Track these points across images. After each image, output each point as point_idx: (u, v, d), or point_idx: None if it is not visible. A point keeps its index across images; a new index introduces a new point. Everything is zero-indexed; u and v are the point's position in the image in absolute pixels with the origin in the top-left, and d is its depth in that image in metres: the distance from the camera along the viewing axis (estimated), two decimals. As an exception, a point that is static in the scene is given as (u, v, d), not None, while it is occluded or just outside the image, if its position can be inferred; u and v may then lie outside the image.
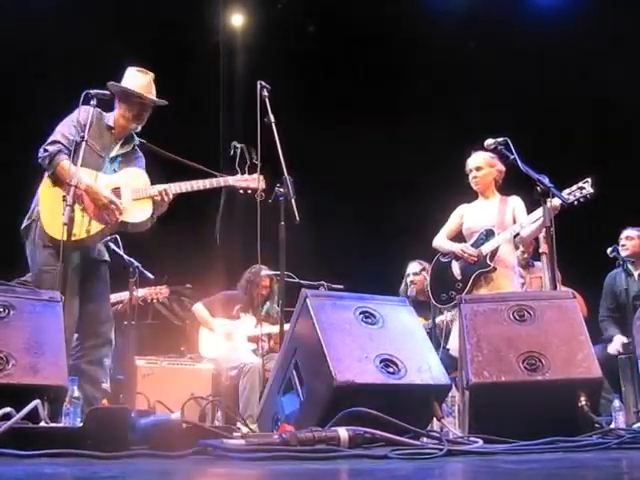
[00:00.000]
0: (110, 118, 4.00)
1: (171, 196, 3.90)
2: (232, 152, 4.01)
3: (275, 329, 5.48)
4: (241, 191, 4.03)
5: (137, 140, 4.08)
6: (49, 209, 3.69)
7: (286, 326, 5.46)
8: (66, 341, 3.47)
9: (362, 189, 7.47)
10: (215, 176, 4.02)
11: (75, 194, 3.53)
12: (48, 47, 6.20)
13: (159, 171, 4.08)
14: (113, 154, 3.97)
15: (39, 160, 3.78)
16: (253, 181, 4.00)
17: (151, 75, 4.04)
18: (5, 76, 6.30)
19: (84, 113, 3.81)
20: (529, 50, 7.37)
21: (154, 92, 4.04)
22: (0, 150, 6.04)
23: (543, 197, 4.01)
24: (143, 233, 3.91)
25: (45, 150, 3.75)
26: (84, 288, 3.80)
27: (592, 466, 2.11)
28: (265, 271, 5.70)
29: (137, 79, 4.01)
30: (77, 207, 3.61)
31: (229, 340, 5.66)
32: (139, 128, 4.01)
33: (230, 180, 4.02)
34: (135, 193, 3.87)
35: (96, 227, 3.78)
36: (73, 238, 3.59)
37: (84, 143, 3.63)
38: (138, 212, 3.88)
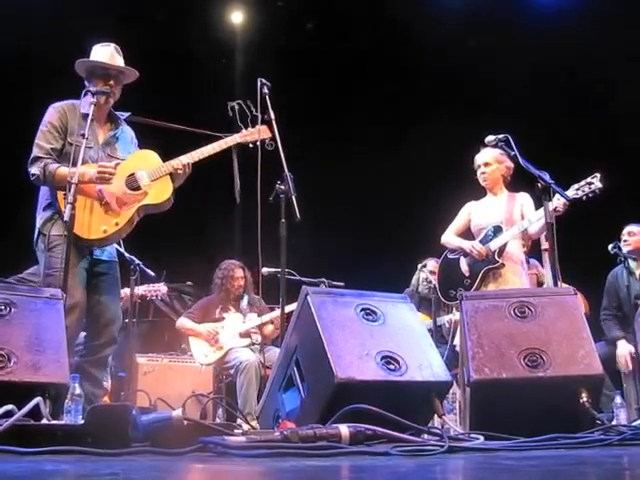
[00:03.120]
0: (84, 104, 3.83)
1: (190, 167, 3.87)
2: (231, 112, 3.99)
3: (264, 318, 5.52)
4: (250, 145, 4.01)
5: (123, 116, 3.99)
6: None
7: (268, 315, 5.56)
8: (71, 338, 3.50)
9: (363, 186, 7.47)
10: (221, 138, 3.97)
11: (88, 194, 3.59)
12: (49, 49, 6.21)
13: (158, 144, 4.04)
14: (102, 139, 3.88)
15: (32, 181, 3.71)
16: (258, 132, 4.00)
17: (113, 45, 3.92)
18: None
19: (55, 114, 3.76)
20: (530, 48, 7.37)
21: (118, 61, 3.91)
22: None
23: (544, 194, 4.00)
24: (141, 231, 3.89)
25: (32, 174, 3.67)
26: (94, 286, 3.77)
27: (593, 463, 2.11)
28: (237, 267, 5.76)
29: (98, 52, 3.90)
30: (96, 205, 3.66)
31: (215, 340, 5.64)
32: (112, 102, 3.88)
33: (237, 138, 4.00)
34: (152, 174, 3.80)
35: (124, 218, 3.73)
36: (97, 236, 3.65)
37: (85, 141, 3.59)
38: (160, 191, 3.82)
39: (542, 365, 2.94)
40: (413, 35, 7.66)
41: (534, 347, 2.98)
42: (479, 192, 4.87)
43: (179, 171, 3.84)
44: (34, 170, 3.67)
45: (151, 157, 3.91)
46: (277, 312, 5.18)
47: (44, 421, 2.53)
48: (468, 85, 7.66)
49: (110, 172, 3.69)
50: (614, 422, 3.17)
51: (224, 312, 5.76)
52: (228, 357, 5.55)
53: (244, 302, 5.82)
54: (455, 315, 5.24)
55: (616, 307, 5.52)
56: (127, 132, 4.02)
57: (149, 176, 3.81)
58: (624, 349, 5.22)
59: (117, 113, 3.98)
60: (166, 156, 3.91)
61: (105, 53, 3.89)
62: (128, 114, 4.01)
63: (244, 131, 4.02)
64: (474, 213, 4.82)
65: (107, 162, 3.79)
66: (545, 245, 5.68)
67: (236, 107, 4.00)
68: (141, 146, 4.06)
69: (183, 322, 5.77)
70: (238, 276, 5.82)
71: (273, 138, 4.01)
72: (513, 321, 3.10)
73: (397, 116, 7.66)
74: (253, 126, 4.03)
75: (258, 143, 4.00)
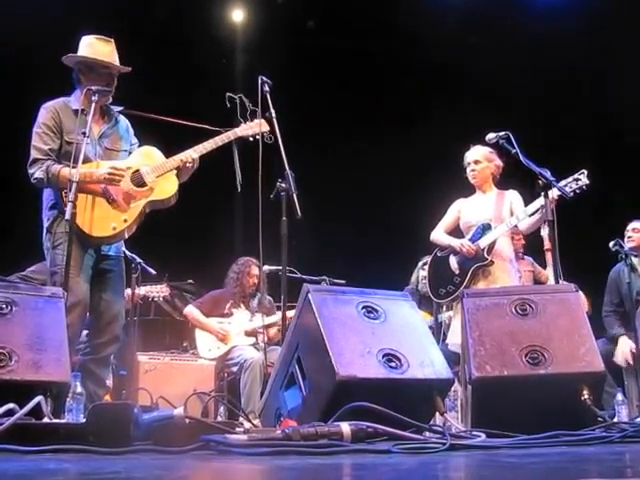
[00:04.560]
0: (75, 100, 3.83)
1: (197, 162, 3.89)
2: (229, 104, 4.01)
3: (272, 319, 5.50)
4: (250, 139, 4.04)
5: (116, 109, 3.98)
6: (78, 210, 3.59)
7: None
8: (73, 336, 3.51)
9: (364, 184, 7.47)
10: (219, 132, 3.99)
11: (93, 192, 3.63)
12: (48, 46, 6.19)
13: (154, 139, 4.03)
14: (97, 134, 3.85)
15: (35, 183, 3.70)
16: (258, 126, 4.03)
17: (113, 42, 3.89)
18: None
19: (47, 114, 3.75)
20: (529, 45, 7.36)
21: (116, 57, 3.89)
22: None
23: (545, 191, 4.01)
24: (143, 229, 3.90)
25: (35, 177, 3.65)
26: (99, 283, 3.77)
27: (595, 460, 2.11)
28: (255, 265, 5.74)
29: (99, 47, 3.84)
30: (103, 202, 3.68)
31: (225, 341, 5.64)
32: (110, 99, 3.87)
33: (238, 132, 4.02)
34: (157, 170, 3.82)
35: (132, 215, 3.75)
36: (107, 233, 3.67)
37: (86, 138, 3.60)
38: (166, 187, 3.84)
39: (543, 362, 2.94)
40: (413, 32, 7.65)
41: (535, 344, 2.98)
42: (470, 189, 4.87)
43: (188, 164, 3.86)
44: (37, 174, 3.65)
45: (154, 153, 3.92)
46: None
47: (45, 420, 2.53)
48: (469, 82, 7.65)
49: (121, 175, 3.73)
50: (616, 419, 3.17)
51: (233, 308, 5.76)
52: (232, 354, 5.55)
53: (255, 301, 5.82)
54: (447, 313, 5.25)
55: (618, 303, 5.51)
56: (122, 122, 4.01)
57: (154, 172, 3.82)
58: (625, 345, 5.22)
59: (109, 105, 3.96)
60: (163, 150, 3.92)
61: (107, 50, 3.86)
62: (121, 108, 4.01)
63: (244, 125, 4.04)
64: (463, 210, 4.83)
65: (105, 156, 3.82)
66: (548, 245, 5.68)
67: (237, 100, 4.01)
68: (138, 140, 4.06)
69: (192, 312, 5.75)
70: (254, 273, 5.82)
71: (274, 135, 4.02)
72: (514, 318, 3.09)
73: (398, 114, 7.65)
74: (252, 120, 4.05)
75: (258, 137, 4.03)
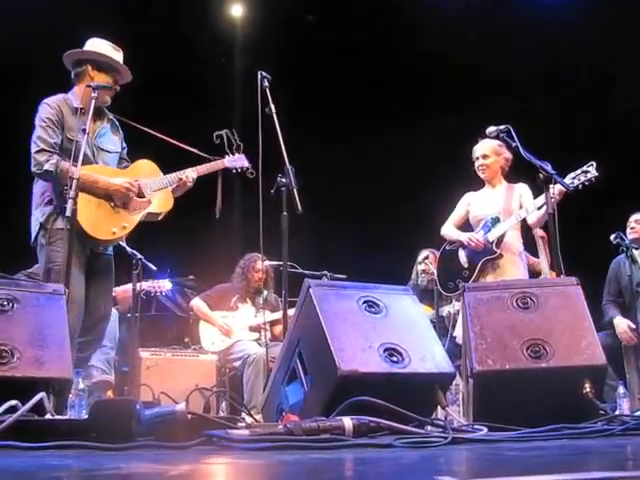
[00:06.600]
0: (74, 98, 3.86)
1: (193, 181, 4.02)
2: (218, 141, 4.16)
3: (275, 316, 5.51)
4: (234, 171, 4.21)
5: (110, 114, 4.02)
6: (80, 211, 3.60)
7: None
8: (71, 333, 3.51)
9: (365, 178, 7.46)
10: (210, 160, 4.16)
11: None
12: (46, 44, 6.18)
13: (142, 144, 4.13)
14: (93, 133, 3.86)
15: (37, 174, 3.70)
16: (240, 160, 4.22)
17: (121, 51, 3.98)
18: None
19: (50, 110, 3.76)
20: (530, 40, 7.34)
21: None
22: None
23: (546, 184, 4.00)
24: (143, 225, 3.93)
25: (45, 169, 3.62)
26: (91, 282, 3.79)
27: (597, 452, 2.12)
28: (261, 260, 5.76)
29: (112, 53, 3.93)
30: (105, 205, 3.75)
31: (229, 335, 5.65)
32: (109, 100, 3.92)
33: (226, 162, 4.18)
34: (155, 184, 3.94)
35: (132, 223, 3.84)
36: (106, 237, 3.75)
37: (86, 136, 3.60)
38: (163, 202, 3.99)
39: (545, 356, 2.94)
40: (415, 27, 7.63)
41: (537, 338, 2.98)
42: (478, 183, 4.86)
43: (189, 184, 3.99)
44: (47, 166, 3.63)
45: (151, 167, 4.03)
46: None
47: (48, 416, 2.54)
48: (470, 76, 7.63)
49: (135, 192, 3.84)
50: (617, 412, 3.17)
51: (239, 302, 5.78)
52: (234, 348, 5.57)
53: (262, 297, 5.83)
54: (454, 307, 5.25)
55: (617, 294, 5.52)
56: (114, 124, 4.05)
57: (153, 186, 3.93)
58: (622, 325, 5.23)
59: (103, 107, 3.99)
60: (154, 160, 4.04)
61: (120, 57, 3.94)
62: (115, 117, 4.06)
63: (230, 157, 4.19)
64: (473, 204, 4.82)
65: (99, 156, 3.87)
66: (540, 232, 5.64)
67: (224, 136, 4.17)
68: (130, 148, 4.13)
69: (199, 305, 5.78)
70: (259, 268, 5.82)
71: (275, 134, 4.06)
72: (515, 312, 3.09)
73: (398, 109, 7.63)
74: (236, 154, 4.22)
75: (239, 170, 4.22)
